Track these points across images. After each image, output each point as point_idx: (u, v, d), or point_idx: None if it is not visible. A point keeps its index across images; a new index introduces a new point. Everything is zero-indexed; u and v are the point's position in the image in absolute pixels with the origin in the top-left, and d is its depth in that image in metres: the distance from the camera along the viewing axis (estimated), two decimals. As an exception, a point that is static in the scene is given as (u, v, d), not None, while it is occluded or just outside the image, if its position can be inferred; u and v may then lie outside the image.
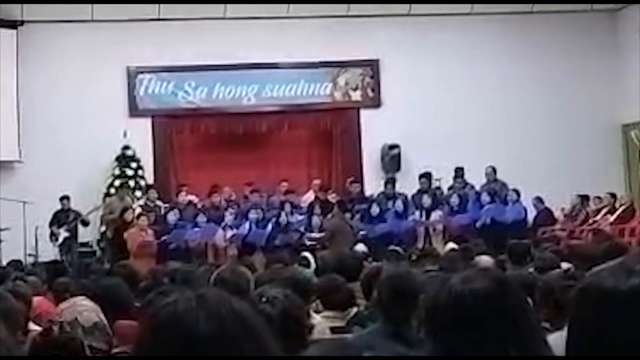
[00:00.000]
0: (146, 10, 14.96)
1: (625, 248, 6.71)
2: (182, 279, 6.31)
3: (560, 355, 1.64)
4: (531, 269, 6.09)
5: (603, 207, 14.58)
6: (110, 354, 3.50)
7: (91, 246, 14.46)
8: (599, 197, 14.79)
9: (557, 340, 1.90)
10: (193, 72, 15.45)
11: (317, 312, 5.01)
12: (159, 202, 14.26)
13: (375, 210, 13.77)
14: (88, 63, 14.85)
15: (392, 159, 15.61)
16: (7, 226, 13.17)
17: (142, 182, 14.71)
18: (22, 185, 14.11)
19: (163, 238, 12.97)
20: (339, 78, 16.00)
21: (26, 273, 7.86)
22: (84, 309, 3.53)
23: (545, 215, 14.32)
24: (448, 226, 13.61)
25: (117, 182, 14.42)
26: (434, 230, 13.68)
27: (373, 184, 15.41)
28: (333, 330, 4.67)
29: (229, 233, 13.25)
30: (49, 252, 13.27)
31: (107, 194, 14.42)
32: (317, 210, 13.84)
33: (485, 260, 6.97)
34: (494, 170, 14.70)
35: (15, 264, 10.26)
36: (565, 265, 5.85)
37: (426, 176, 14.66)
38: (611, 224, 13.95)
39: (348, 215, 13.97)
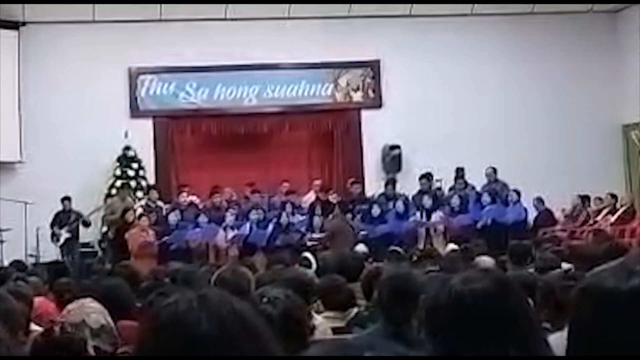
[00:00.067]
0: (147, 11, 14.96)
1: (626, 248, 6.72)
2: (183, 279, 6.31)
3: (561, 355, 1.64)
4: (532, 270, 6.09)
5: (604, 208, 14.58)
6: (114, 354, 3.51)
7: (92, 247, 14.45)
8: (599, 198, 14.80)
9: (557, 340, 1.91)
10: (194, 73, 15.45)
11: (318, 312, 5.01)
12: (160, 203, 14.26)
13: (376, 210, 13.77)
14: (89, 64, 14.85)
15: (392, 160, 15.61)
16: (8, 227, 13.18)
17: (144, 183, 14.71)
18: (24, 185, 14.12)
19: (164, 238, 12.97)
20: (340, 79, 16.00)
21: (27, 273, 7.85)
22: (91, 310, 3.54)
23: (546, 216, 14.32)
24: (449, 227, 13.61)
25: (118, 183, 14.42)
26: (435, 230, 13.68)
27: (374, 185, 15.41)
28: (334, 330, 4.67)
29: (230, 233, 13.25)
30: (51, 253, 13.27)
31: (109, 195, 14.41)
32: (318, 210, 13.85)
33: (485, 260, 6.97)
34: (495, 171, 14.71)
35: (17, 264, 10.24)
36: (565, 265, 5.85)
37: (427, 177, 14.66)
38: (612, 224, 13.95)
39: (349, 215, 13.98)
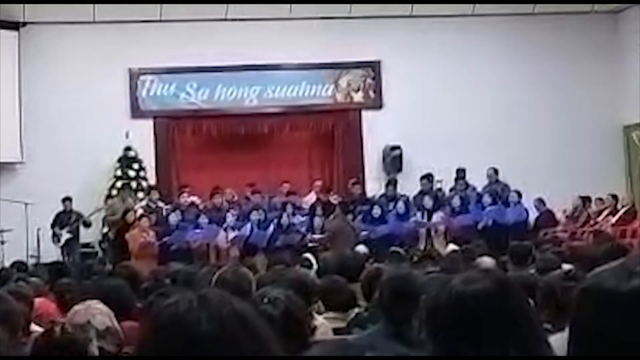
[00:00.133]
0: (148, 12, 14.96)
1: (627, 249, 6.70)
2: (184, 280, 6.32)
3: (562, 356, 1.64)
4: (532, 270, 6.09)
5: (604, 209, 14.57)
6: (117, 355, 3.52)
7: (93, 247, 14.46)
8: (600, 199, 14.79)
9: (558, 341, 1.91)
10: (195, 74, 15.45)
11: (318, 313, 5.01)
12: (160, 204, 14.26)
13: (376, 211, 13.77)
14: (90, 64, 14.85)
15: (393, 160, 15.61)
16: (9, 227, 13.19)
17: (144, 184, 14.72)
18: (24, 186, 14.12)
19: (165, 239, 12.98)
20: (340, 79, 16.00)
21: (28, 274, 7.86)
22: (97, 312, 3.57)
23: (547, 217, 14.31)
24: (449, 227, 13.61)
25: (119, 184, 14.42)
26: (436, 231, 13.67)
27: (374, 185, 15.42)
28: (335, 331, 4.67)
29: (231, 234, 13.25)
30: (51, 253, 13.27)
31: (109, 195, 14.42)
32: (319, 211, 13.85)
33: (486, 261, 6.97)
34: (496, 171, 14.71)
35: (18, 265, 10.25)
36: (566, 266, 5.84)
37: (427, 177, 14.67)
38: (613, 225, 13.94)
39: (349, 216, 13.98)
